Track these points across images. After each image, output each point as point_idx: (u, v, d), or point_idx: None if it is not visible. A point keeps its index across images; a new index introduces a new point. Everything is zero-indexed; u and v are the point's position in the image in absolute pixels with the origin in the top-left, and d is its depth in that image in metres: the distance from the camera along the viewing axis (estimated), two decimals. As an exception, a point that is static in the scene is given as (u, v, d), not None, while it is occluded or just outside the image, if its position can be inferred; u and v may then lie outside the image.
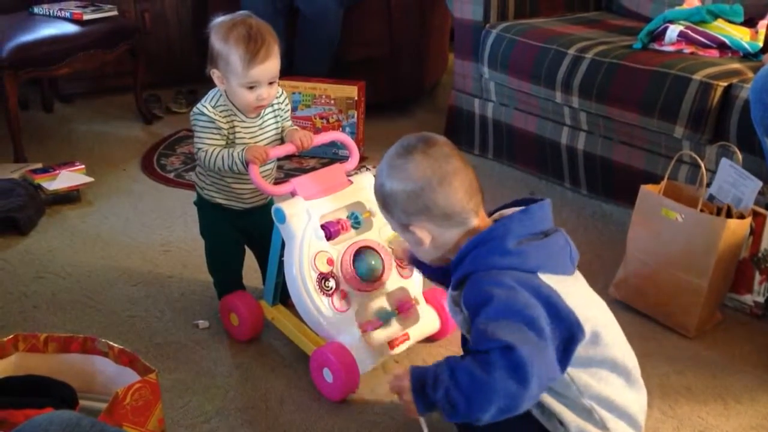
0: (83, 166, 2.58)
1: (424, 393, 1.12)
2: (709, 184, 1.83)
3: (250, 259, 1.86)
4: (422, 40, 3.17)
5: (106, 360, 1.32)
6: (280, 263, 1.63)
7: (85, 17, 2.91)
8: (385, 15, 3.08)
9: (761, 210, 1.78)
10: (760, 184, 1.75)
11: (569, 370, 1.14)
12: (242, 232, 1.79)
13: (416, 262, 1.47)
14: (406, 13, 3.09)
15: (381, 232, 1.64)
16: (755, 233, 1.79)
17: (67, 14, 2.92)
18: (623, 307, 1.85)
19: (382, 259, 1.60)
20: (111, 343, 1.33)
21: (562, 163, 2.50)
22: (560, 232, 1.22)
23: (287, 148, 1.67)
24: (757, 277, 1.82)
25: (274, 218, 1.58)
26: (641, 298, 1.85)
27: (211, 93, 1.67)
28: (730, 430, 1.50)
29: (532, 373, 1.05)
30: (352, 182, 1.67)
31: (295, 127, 1.75)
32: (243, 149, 1.59)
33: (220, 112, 1.63)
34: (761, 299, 1.83)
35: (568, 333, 1.11)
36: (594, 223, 2.31)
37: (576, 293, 1.18)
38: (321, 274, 1.55)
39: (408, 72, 3.17)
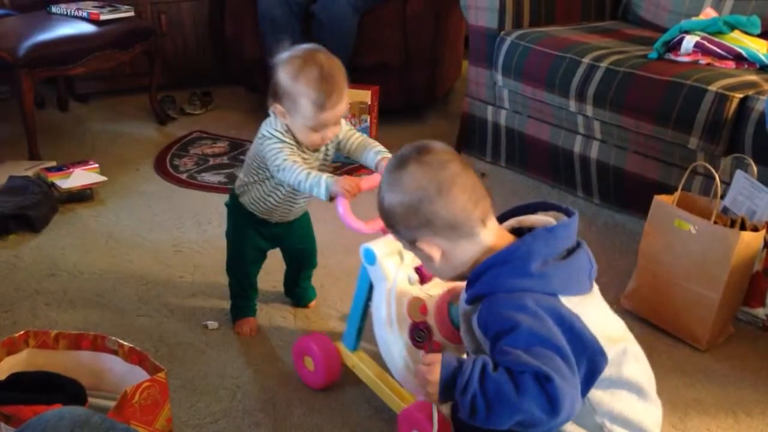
0: (97, 165, 2.60)
1: (450, 391, 1.08)
2: (723, 196, 1.82)
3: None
4: (436, 47, 3.17)
5: (115, 358, 1.32)
6: (365, 307, 1.51)
7: (102, 17, 2.93)
8: (400, 21, 3.08)
9: (776, 223, 1.76)
10: (775, 196, 1.74)
11: None
12: (268, 240, 1.77)
13: None
14: (421, 19, 3.09)
15: None
16: (769, 246, 1.77)
17: (85, 14, 2.95)
18: (634, 318, 1.84)
19: None
20: (121, 341, 1.34)
21: (574, 171, 2.49)
22: (583, 248, 1.16)
23: (377, 179, 1.45)
24: (771, 290, 1.80)
25: (362, 258, 1.44)
26: (652, 310, 1.83)
27: (274, 122, 1.58)
28: (740, 445, 1.49)
29: (564, 407, 1.02)
30: None
31: (388, 154, 1.58)
32: (330, 178, 1.47)
33: (289, 139, 1.56)
34: (774, 313, 1.81)
35: (592, 362, 1.08)
36: (606, 233, 2.30)
37: (595, 312, 1.14)
38: (414, 323, 1.40)
39: (421, 78, 3.17)
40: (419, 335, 1.40)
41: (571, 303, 1.10)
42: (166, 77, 3.39)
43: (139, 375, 1.27)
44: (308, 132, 1.53)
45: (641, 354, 1.22)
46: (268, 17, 3.04)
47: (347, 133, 1.63)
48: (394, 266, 1.42)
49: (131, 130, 3.16)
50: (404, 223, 1.16)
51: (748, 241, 1.68)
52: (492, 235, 1.16)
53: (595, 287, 1.20)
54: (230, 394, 1.59)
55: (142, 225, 2.34)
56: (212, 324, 1.82)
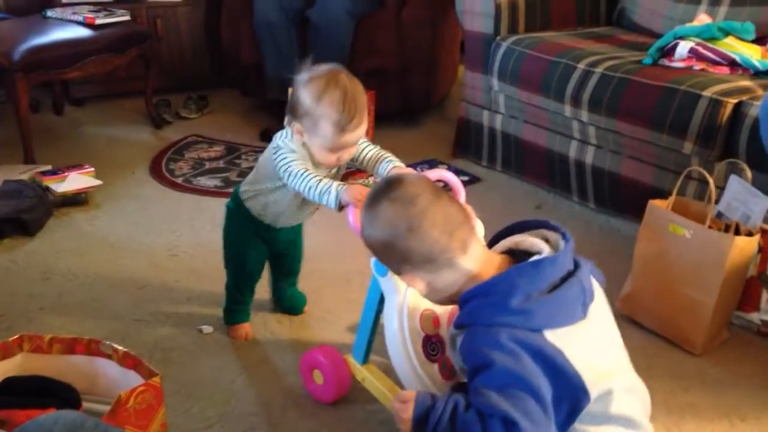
0: (92, 169, 2.59)
1: (422, 428, 1.10)
2: (717, 201, 1.83)
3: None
4: (433, 52, 3.18)
5: (110, 362, 1.32)
6: (375, 319, 1.48)
7: (98, 21, 2.94)
8: (397, 26, 3.09)
9: (770, 228, 1.77)
10: (769, 201, 1.74)
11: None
12: (266, 244, 1.75)
13: None
14: (417, 24, 3.10)
15: None
16: (763, 251, 1.78)
17: (80, 18, 2.95)
18: (629, 322, 1.84)
19: None
20: (115, 345, 1.33)
21: (570, 176, 2.50)
22: (577, 277, 1.12)
23: None
24: (765, 295, 1.81)
25: (373, 270, 1.40)
26: (647, 314, 1.84)
27: (288, 134, 1.56)
28: (735, 449, 1.49)
29: None
30: None
31: (399, 163, 1.57)
32: (340, 187, 1.43)
33: (303, 151, 1.55)
34: (768, 318, 1.82)
35: (574, 399, 1.07)
36: (601, 237, 2.31)
37: (585, 342, 1.11)
38: (427, 336, 1.39)
39: (418, 83, 3.18)
40: (432, 348, 1.39)
41: (556, 336, 1.08)
42: (162, 81, 3.39)
43: (134, 379, 1.27)
44: (326, 152, 1.52)
45: (635, 383, 1.19)
46: (264, 22, 3.04)
47: (360, 145, 1.61)
48: None
49: (127, 134, 3.16)
50: (385, 259, 1.19)
51: (743, 246, 1.69)
52: (475, 261, 1.15)
53: (595, 311, 1.15)
54: (225, 399, 1.59)
55: (137, 229, 2.33)
56: (207, 329, 1.82)
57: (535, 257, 1.14)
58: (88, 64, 2.84)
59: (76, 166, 2.59)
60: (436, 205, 1.13)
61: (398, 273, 1.19)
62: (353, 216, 1.40)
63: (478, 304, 1.10)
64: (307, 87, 1.48)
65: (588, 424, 1.11)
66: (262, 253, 1.77)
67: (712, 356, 1.76)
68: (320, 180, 1.47)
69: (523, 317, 1.07)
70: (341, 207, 1.44)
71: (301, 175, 1.49)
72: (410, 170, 1.52)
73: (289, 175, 1.51)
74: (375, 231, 1.16)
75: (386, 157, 1.58)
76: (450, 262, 1.13)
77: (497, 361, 1.04)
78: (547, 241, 1.18)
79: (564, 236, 1.16)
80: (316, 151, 1.53)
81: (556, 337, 1.07)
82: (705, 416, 1.57)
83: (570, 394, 1.06)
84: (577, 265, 1.15)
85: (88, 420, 0.82)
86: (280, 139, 1.56)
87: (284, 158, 1.52)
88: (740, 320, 1.86)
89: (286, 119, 1.55)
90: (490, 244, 1.25)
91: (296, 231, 1.81)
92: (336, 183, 1.46)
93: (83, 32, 2.88)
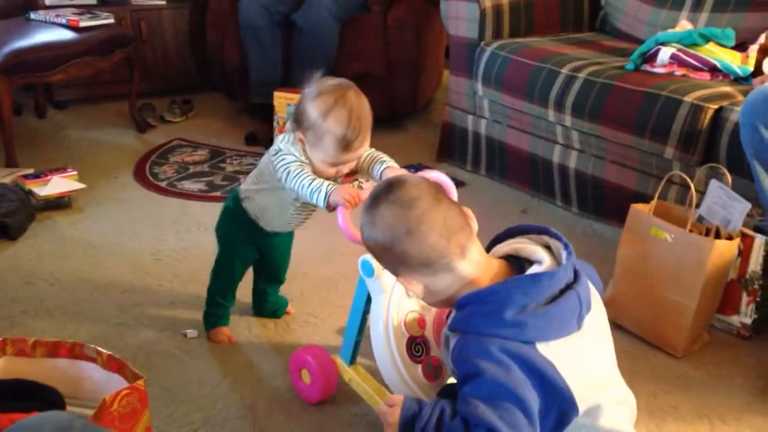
0: (75, 173, 2.58)
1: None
2: (698, 206, 1.85)
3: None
4: (418, 57, 3.19)
5: (94, 366, 1.31)
6: (362, 319, 1.49)
7: (82, 24, 2.92)
8: (382, 31, 3.11)
9: (749, 232, 1.79)
10: (748, 205, 1.76)
11: None
12: (257, 249, 1.76)
13: None
14: (402, 29, 3.11)
15: None
16: (743, 255, 1.80)
17: (64, 21, 2.93)
18: (612, 325, 1.83)
19: None
20: (99, 348, 1.33)
21: (553, 181, 2.52)
22: (575, 289, 1.11)
23: None
24: (745, 298, 1.83)
25: (360, 271, 1.42)
26: (630, 317, 1.85)
27: (290, 139, 1.56)
28: (715, 450, 1.51)
29: None
30: None
31: (392, 164, 1.59)
32: (330, 186, 1.45)
33: (303, 157, 1.55)
34: (748, 321, 1.84)
35: (562, 411, 1.07)
36: (584, 242, 2.32)
37: (578, 355, 1.10)
38: (412, 337, 1.39)
39: (403, 87, 3.19)
40: (417, 349, 1.40)
41: (548, 348, 1.08)
42: (146, 85, 3.38)
43: (118, 383, 1.26)
44: (326, 166, 1.53)
45: (624, 394, 1.20)
46: (250, 25, 3.04)
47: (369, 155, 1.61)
48: (392, 279, 1.39)
49: (110, 138, 3.15)
50: (383, 260, 1.18)
51: (723, 249, 1.71)
52: (474, 266, 1.14)
53: (590, 322, 1.14)
54: (210, 403, 1.58)
55: (120, 233, 2.32)
56: (191, 333, 1.81)
57: (534, 268, 1.13)
58: (72, 66, 2.82)
59: (59, 170, 2.57)
60: (435, 208, 1.13)
61: (396, 275, 1.19)
62: (342, 216, 1.40)
63: (473, 311, 1.10)
64: (315, 101, 1.49)
65: None
66: (250, 257, 1.77)
67: (693, 359, 1.78)
68: (313, 179, 1.48)
69: (516, 330, 1.06)
70: (330, 207, 1.44)
71: (298, 173, 1.50)
72: (404, 171, 1.53)
73: (288, 173, 1.52)
74: (374, 233, 1.16)
75: (381, 159, 1.59)
76: (447, 266, 1.12)
77: (487, 372, 1.04)
78: (548, 248, 1.17)
79: (566, 247, 1.15)
80: (316, 162, 1.54)
81: (548, 350, 1.07)
82: (686, 418, 1.59)
83: (558, 406, 1.07)
84: (576, 276, 1.14)
85: (76, 420, 0.81)
86: (282, 143, 1.57)
87: (283, 159, 1.54)
88: (721, 323, 1.89)
89: (291, 126, 1.56)
90: (489, 246, 1.25)
91: (288, 239, 1.81)
92: (327, 183, 1.46)
93: (67, 35, 2.87)
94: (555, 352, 1.08)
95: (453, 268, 1.13)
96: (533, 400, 1.04)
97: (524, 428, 1.03)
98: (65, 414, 0.86)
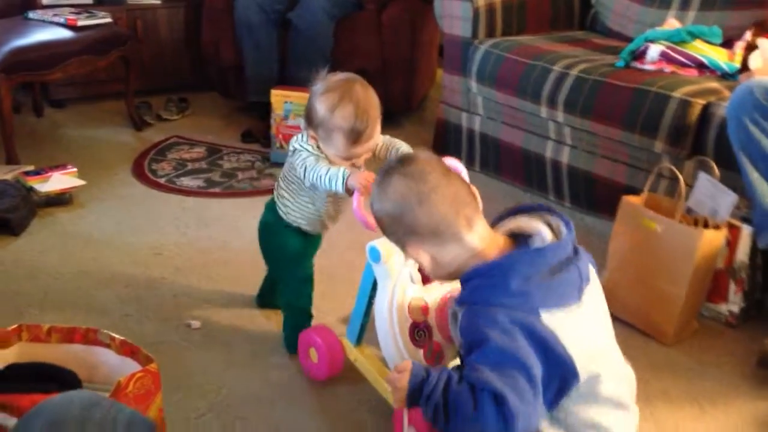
0: (75, 169, 2.60)
1: (416, 398, 1.14)
2: (687, 198, 1.90)
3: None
4: (412, 55, 3.23)
5: (108, 351, 1.35)
6: (368, 303, 1.55)
7: (79, 23, 2.94)
8: (377, 29, 3.14)
9: (736, 222, 1.85)
10: (735, 197, 1.81)
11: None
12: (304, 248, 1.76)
13: None
14: (397, 27, 3.15)
15: None
16: (731, 245, 1.86)
17: (62, 20, 2.95)
18: (604, 314, 1.90)
19: None
20: (113, 334, 1.36)
21: (546, 176, 2.57)
22: (574, 263, 1.16)
23: None
24: (732, 287, 1.88)
25: (368, 256, 1.46)
26: (623, 307, 1.90)
27: (304, 138, 1.59)
28: (705, 432, 1.56)
29: (518, 426, 1.06)
30: None
31: (408, 148, 1.62)
32: (345, 171, 1.48)
33: (319, 152, 1.58)
34: (736, 309, 1.89)
35: (563, 379, 1.11)
36: (576, 235, 2.34)
37: (580, 325, 1.14)
38: (415, 322, 1.43)
39: (397, 85, 3.23)
40: (419, 334, 1.43)
41: (552, 318, 1.11)
42: (143, 83, 3.40)
43: (131, 367, 1.29)
44: (340, 160, 1.56)
45: (622, 367, 1.24)
46: (245, 24, 3.07)
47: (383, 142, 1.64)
48: (398, 265, 1.44)
49: (108, 136, 3.17)
50: (392, 231, 1.22)
51: (710, 238, 1.76)
52: (481, 239, 1.18)
53: (589, 295, 1.18)
54: (215, 390, 1.62)
55: (121, 228, 2.35)
56: (195, 323, 1.85)
57: (537, 242, 1.18)
58: (70, 65, 2.84)
59: (59, 167, 2.60)
60: (446, 182, 1.17)
61: (403, 246, 1.22)
62: (357, 201, 1.44)
63: (479, 284, 1.14)
64: (322, 98, 1.52)
65: (578, 404, 1.16)
66: (310, 254, 1.77)
67: (683, 346, 1.84)
68: (329, 168, 1.51)
69: (521, 299, 1.11)
70: (349, 192, 1.48)
71: (314, 166, 1.53)
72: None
73: (305, 169, 1.55)
74: (385, 203, 1.20)
75: (396, 145, 1.62)
76: (455, 236, 1.16)
77: (493, 339, 1.08)
78: (549, 225, 1.22)
79: (567, 224, 1.20)
80: (330, 157, 1.57)
81: (551, 320, 1.11)
82: (676, 402, 1.64)
83: (560, 374, 1.11)
84: (576, 251, 1.19)
85: (103, 399, 0.84)
86: (297, 142, 1.60)
87: (301, 155, 1.57)
88: (709, 311, 1.94)
89: (303, 124, 1.59)
90: (492, 224, 1.28)
91: (319, 242, 1.82)
92: (343, 168, 1.50)
93: (65, 34, 2.89)
94: (557, 322, 1.12)
95: (461, 239, 1.17)
96: (537, 368, 1.08)
97: (527, 393, 1.07)
98: (91, 392, 0.89)
